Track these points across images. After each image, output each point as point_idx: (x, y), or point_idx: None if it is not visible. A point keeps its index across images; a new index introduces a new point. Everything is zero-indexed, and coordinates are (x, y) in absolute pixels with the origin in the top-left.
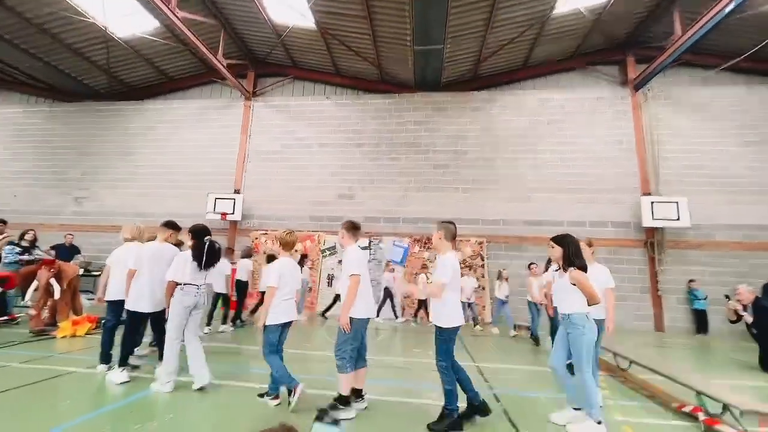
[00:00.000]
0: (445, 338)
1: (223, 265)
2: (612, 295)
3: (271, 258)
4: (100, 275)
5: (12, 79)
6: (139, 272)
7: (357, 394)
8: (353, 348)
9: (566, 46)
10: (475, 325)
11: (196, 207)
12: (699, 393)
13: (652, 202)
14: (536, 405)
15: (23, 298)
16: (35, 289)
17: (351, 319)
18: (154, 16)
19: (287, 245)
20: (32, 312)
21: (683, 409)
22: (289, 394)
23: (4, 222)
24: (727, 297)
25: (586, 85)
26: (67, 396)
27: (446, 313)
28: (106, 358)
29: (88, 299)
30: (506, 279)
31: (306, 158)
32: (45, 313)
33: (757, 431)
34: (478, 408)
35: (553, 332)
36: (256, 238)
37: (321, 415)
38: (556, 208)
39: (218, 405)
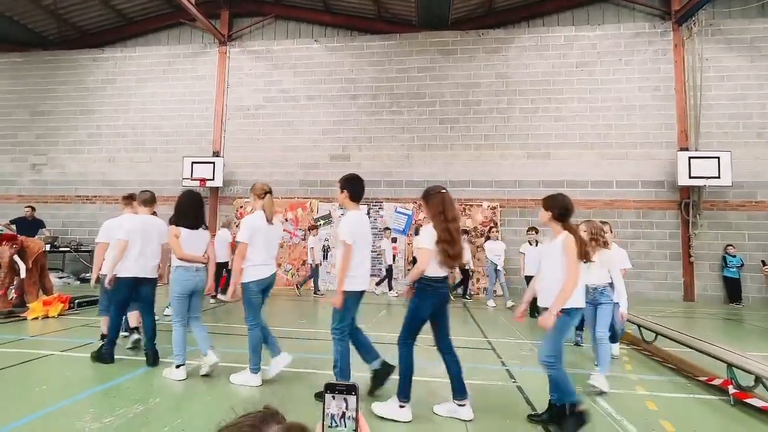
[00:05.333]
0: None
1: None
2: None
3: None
4: (69, 251)
5: None
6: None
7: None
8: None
9: None
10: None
11: (172, 173)
12: (730, 365)
13: (690, 158)
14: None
15: None
16: None
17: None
18: None
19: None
20: None
21: (712, 383)
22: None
23: None
24: (763, 262)
25: (621, 20)
26: (43, 381)
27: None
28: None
29: (59, 278)
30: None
31: (293, 113)
32: (12, 294)
33: None
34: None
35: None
36: (241, 207)
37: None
38: (580, 167)
39: (209, 387)
